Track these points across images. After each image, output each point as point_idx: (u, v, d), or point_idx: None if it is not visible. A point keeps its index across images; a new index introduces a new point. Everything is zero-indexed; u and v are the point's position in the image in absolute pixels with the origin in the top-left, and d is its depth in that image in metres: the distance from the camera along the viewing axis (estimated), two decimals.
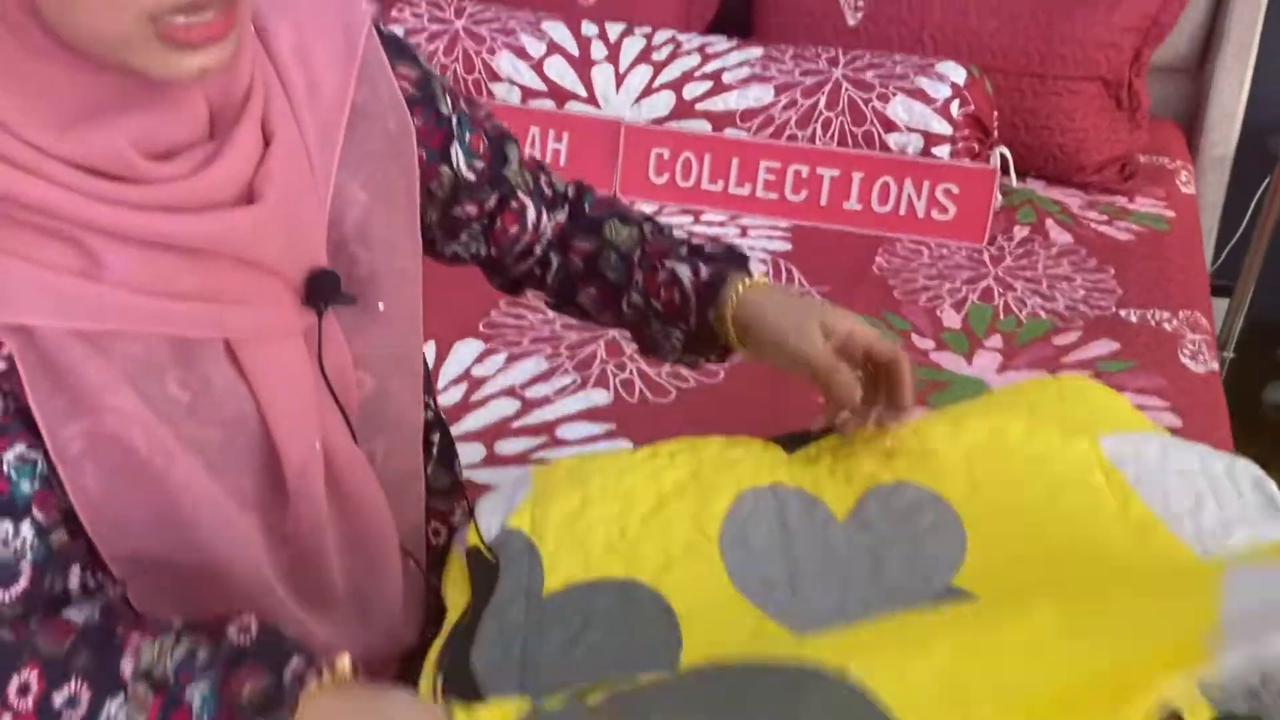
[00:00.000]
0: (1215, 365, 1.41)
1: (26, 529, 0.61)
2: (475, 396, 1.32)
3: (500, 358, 1.39)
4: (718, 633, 0.72)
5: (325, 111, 0.71)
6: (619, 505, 0.81)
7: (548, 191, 0.90)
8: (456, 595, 0.81)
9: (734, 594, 0.75)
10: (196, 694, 0.58)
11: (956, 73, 1.68)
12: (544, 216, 0.89)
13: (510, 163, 0.86)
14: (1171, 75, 2.12)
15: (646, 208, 1.74)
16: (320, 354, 0.71)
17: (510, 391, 1.32)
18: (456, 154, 0.82)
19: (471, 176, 0.83)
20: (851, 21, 1.88)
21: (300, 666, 0.60)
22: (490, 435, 1.25)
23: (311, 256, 0.70)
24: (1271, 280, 2.29)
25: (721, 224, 1.73)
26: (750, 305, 0.84)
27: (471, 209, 0.85)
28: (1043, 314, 1.48)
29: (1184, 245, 1.69)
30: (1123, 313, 1.49)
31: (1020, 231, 1.69)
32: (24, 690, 0.59)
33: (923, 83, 1.67)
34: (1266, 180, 2.15)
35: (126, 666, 0.59)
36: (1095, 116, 1.79)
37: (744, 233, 1.70)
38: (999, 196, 1.73)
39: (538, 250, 0.91)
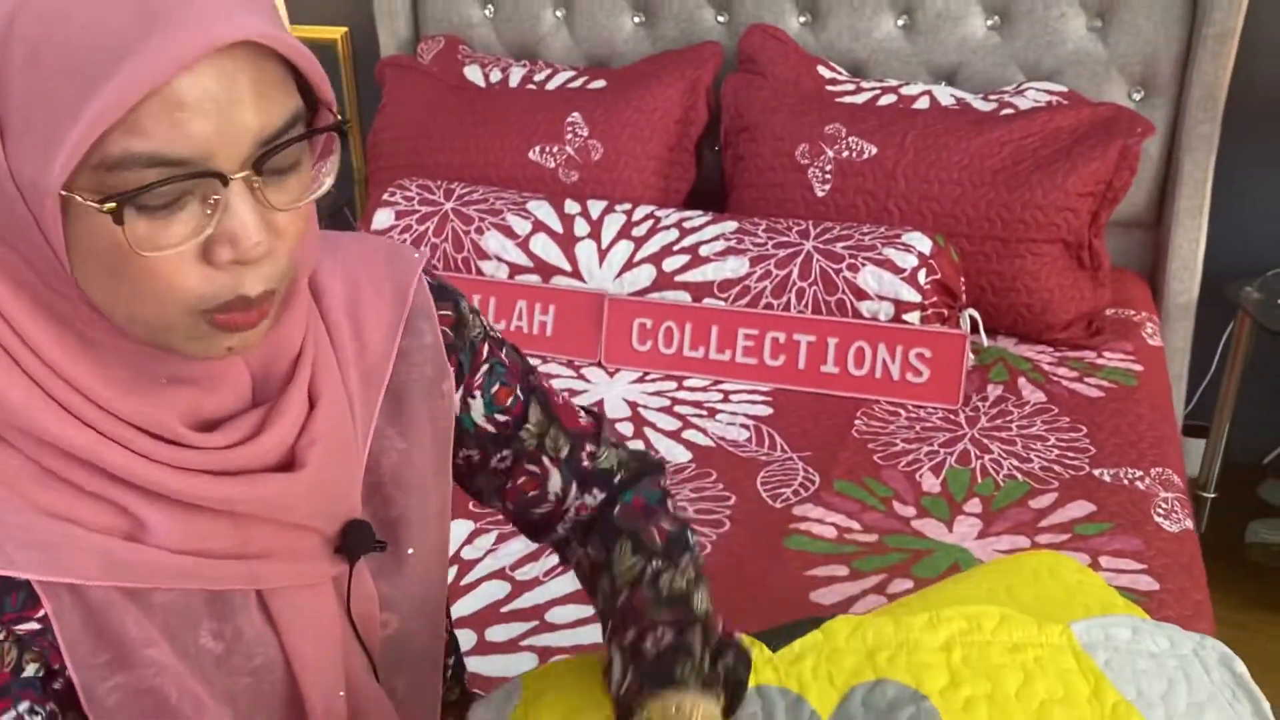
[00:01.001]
0: (1189, 524, 1.44)
1: None
2: (466, 580, 1.34)
3: (489, 538, 1.41)
4: None
5: (371, 361, 0.74)
6: (608, 710, 0.83)
7: (586, 464, 0.86)
8: None
9: None
10: None
11: (922, 242, 1.76)
12: (572, 491, 0.85)
13: (528, 423, 0.84)
14: (1132, 230, 2.21)
15: (630, 375, 1.80)
16: (349, 600, 0.73)
17: (500, 574, 1.35)
18: (472, 403, 0.82)
19: (490, 429, 0.82)
20: (820, 193, 1.97)
21: None
22: (481, 621, 1.26)
23: (347, 510, 0.72)
24: (1245, 421, 2.34)
25: (704, 389, 1.78)
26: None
27: (475, 456, 0.83)
28: (1019, 475, 1.52)
29: (1153, 399, 1.74)
30: (1096, 472, 1.53)
31: (994, 391, 1.75)
32: None
33: (890, 253, 1.75)
34: (1230, 325, 2.23)
35: None
36: (1059, 276, 1.87)
37: (726, 398, 1.76)
38: (971, 357, 1.79)
39: (561, 528, 0.88)
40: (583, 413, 0.89)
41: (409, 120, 2.20)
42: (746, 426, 1.67)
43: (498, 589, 1.32)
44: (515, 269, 1.91)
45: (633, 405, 1.73)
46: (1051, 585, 1.01)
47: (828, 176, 1.97)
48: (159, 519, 0.63)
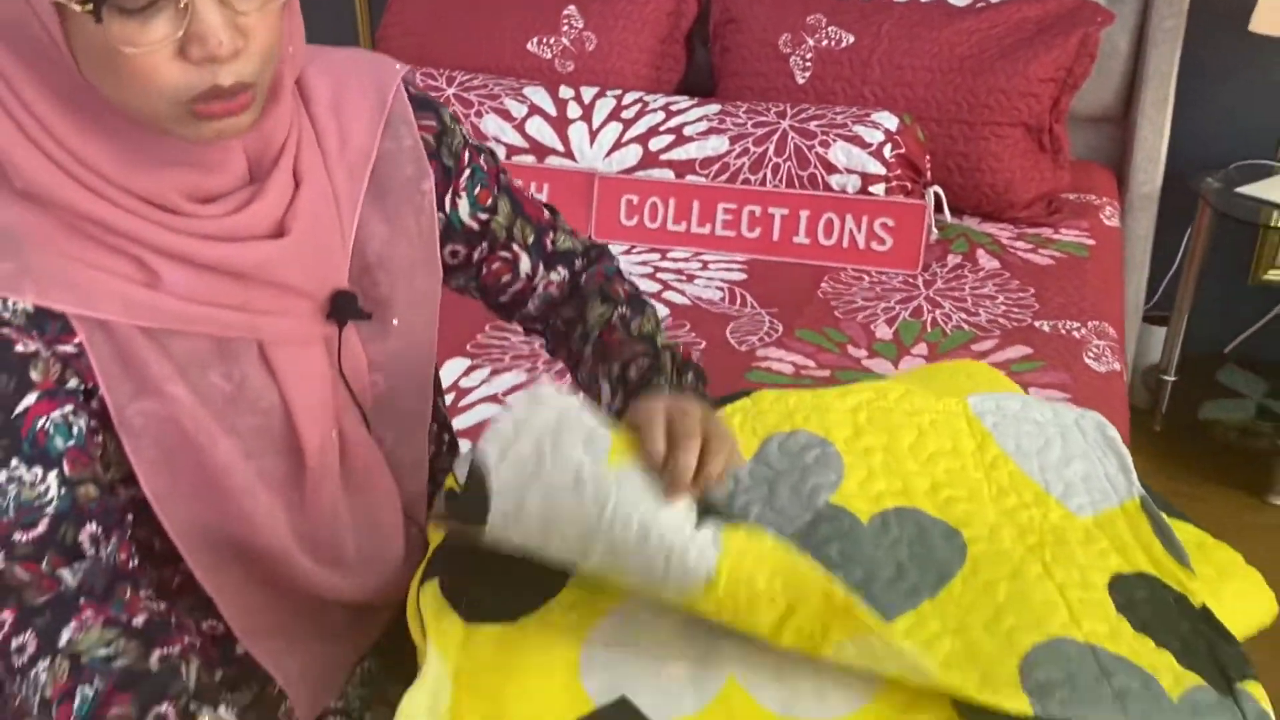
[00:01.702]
0: (1118, 366, 1.58)
1: (53, 478, 0.74)
2: (462, 403, 1.50)
3: (484, 372, 1.57)
4: None
5: (353, 157, 0.86)
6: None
7: (549, 248, 1.00)
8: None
9: None
10: (85, 693, 0.70)
11: (889, 120, 1.89)
12: (540, 270, 1.00)
13: (498, 215, 0.96)
14: (1101, 125, 2.33)
15: (618, 248, 1.94)
16: (340, 358, 0.86)
17: (493, 399, 1.51)
18: (459, 202, 0.94)
19: (475, 225, 0.95)
20: (800, 80, 2.10)
21: (165, 712, 0.70)
22: (474, 434, 1.43)
23: (334, 280, 0.85)
24: (1208, 311, 2.47)
25: (685, 260, 1.92)
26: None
27: (460, 250, 0.96)
28: (966, 326, 1.66)
29: (1101, 269, 1.87)
30: (1038, 324, 1.67)
31: (953, 259, 1.88)
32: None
33: (859, 130, 1.88)
34: (1194, 217, 2.35)
35: (64, 637, 0.72)
36: (1020, 159, 1.99)
37: (705, 266, 1.90)
38: (934, 230, 1.93)
39: (532, 305, 1.01)
40: (544, 208, 1.03)
41: (416, 16, 2.32)
42: (721, 289, 1.82)
43: (489, 410, 1.48)
44: (512, 150, 2.04)
45: None
46: (962, 378, 1.16)
47: (808, 64, 2.09)
48: (171, 273, 0.76)
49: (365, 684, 0.95)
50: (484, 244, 0.98)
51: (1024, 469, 0.98)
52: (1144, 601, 0.87)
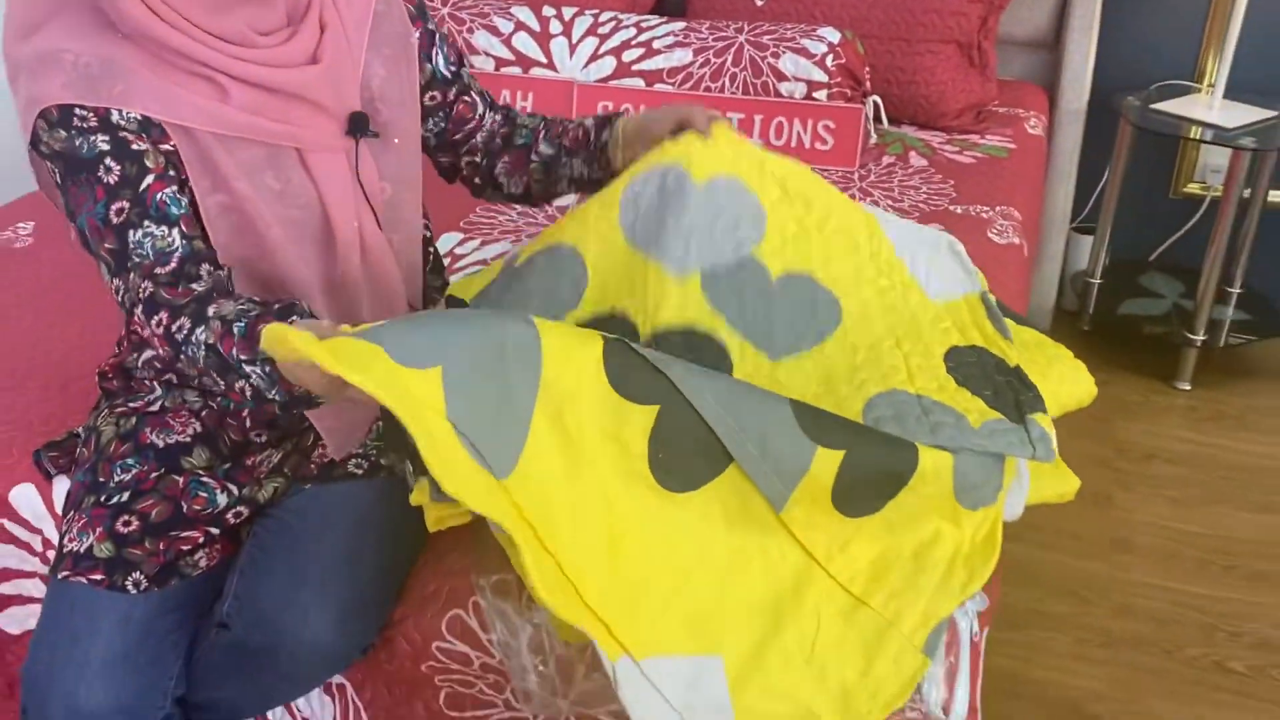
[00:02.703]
0: (1017, 241, 1.84)
1: (176, 234, 1.04)
2: (458, 265, 1.76)
3: (475, 242, 1.83)
4: (611, 273, 1.11)
5: (358, 14, 1.15)
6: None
7: (489, 97, 1.33)
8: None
9: (623, 242, 1.12)
10: (237, 326, 0.97)
11: (832, 35, 2.13)
12: (488, 112, 1.32)
13: (465, 69, 1.29)
14: (1038, 49, 2.57)
15: None
16: (357, 167, 1.15)
17: (482, 261, 1.77)
18: (437, 56, 1.25)
19: (448, 74, 1.26)
20: (760, 3, 2.34)
21: (294, 317, 0.97)
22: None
23: (350, 103, 1.13)
24: (1132, 222, 2.73)
25: None
26: (631, 120, 1.26)
27: (438, 95, 1.27)
28: (891, 210, 1.92)
29: (1019, 167, 2.13)
30: (952, 208, 1.93)
31: (888, 160, 2.14)
32: (158, 323, 1.02)
33: (806, 43, 2.13)
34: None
35: (211, 310, 1.00)
36: (952, 72, 2.24)
37: None
38: (874, 135, 2.18)
39: (479, 139, 1.30)
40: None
41: None
42: None
43: (479, 268, 1.74)
44: (500, 61, 2.29)
45: None
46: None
47: None
48: (236, 91, 1.04)
49: (379, 438, 1.22)
50: (455, 88, 1.28)
51: (900, 255, 1.23)
52: (970, 364, 1.14)
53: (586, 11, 2.31)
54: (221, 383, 1.00)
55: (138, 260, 1.03)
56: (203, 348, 0.99)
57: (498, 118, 1.33)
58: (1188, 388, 2.52)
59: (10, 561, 1.31)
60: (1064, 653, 1.80)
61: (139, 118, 1.02)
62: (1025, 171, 2.13)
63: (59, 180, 1.04)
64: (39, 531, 1.29)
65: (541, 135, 1.32)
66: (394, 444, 0.98)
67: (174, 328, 1.01)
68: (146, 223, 1.02)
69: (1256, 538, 2.07)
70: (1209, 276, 2.42)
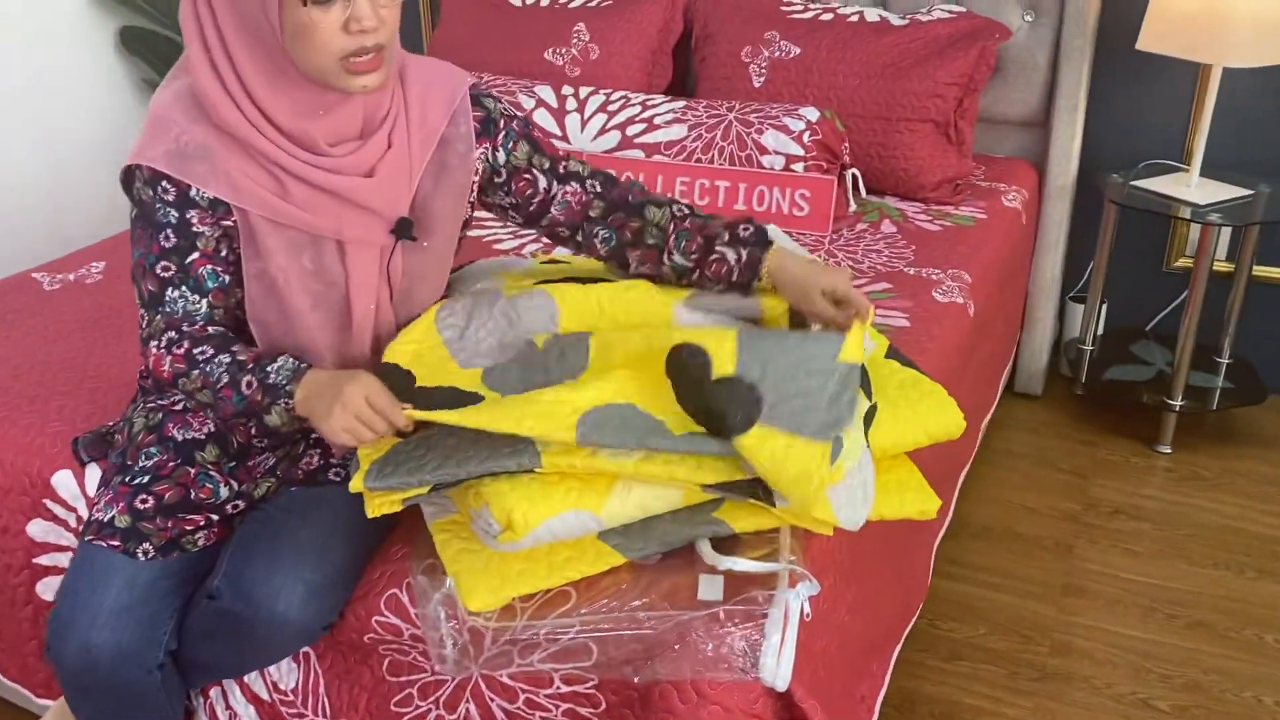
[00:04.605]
0: (961, 300, 2.01)
1: (205, 304, 1.28)
2: None
3: None
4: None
5: (428, 132, 1.34)
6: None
7: (560, 170, 1.42)
8: None
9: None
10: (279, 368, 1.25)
11: (811, 113, 2.35)
12: (554, 185, 1.41)
13: (518, 153, 1.40)
14: (1030, 128, 2.74)
15: None
16: (389, 261, 1.35)
17: None
18: (497, 153, 1.39)
19: (506, 163, 1.40)
20: (757, 84, 2.58)
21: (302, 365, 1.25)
22: None
23: (400, 209, 1.33)
24: (1127, 291, 2.85)
25: None
26: (776, 273, 1.36)
27: (498, 181, 1.41)
28: (845, 265, 2.11)
29: (981, 236, 2.30)
30: (906, 269, 2.11)
31: (861, 226, 2.33)
32: (181, 349, 1.27)
33: (786, 120, 2.35)
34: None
35: (234, 345, 1.26)
36: (929, 149, 2.43)
37: None
38: (853, 203, 2.38)
39: (555, 211, 1.41)
40: (559, 150, 1.46)
41: (460, 31, 2.88)
42: None
43: None
44: None
45: None
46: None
47: (763, 71, 2.57)
48: (295, 187, 1.26)
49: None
50: (510, 172, 1.42)
51: (675, 314, 1.40)
52: (682, 379, 1.23)
53: (600, 91, 2.58)
54: (223, 392, 1.25)
55: (168, 311, 1.28)
56: (228, 357, 1.25)
57: (567, 189, 1.42)
58: (1168, 450, 2.61)
59: (50, 537, 1.58)
60: (997, 684, 1.92)
61: (210, 197, 1.26)
62: (988, 240, 2.30)
63: (131, 215, 1.29)
64: (75, 510, 1.55)
65: (672, 239, 1.40)
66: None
67: (195, 351, 1.26)
68: (184, 288, 1.28)
69: (1206, 590, 2.16)
70: (1184, 345, 2.53)
